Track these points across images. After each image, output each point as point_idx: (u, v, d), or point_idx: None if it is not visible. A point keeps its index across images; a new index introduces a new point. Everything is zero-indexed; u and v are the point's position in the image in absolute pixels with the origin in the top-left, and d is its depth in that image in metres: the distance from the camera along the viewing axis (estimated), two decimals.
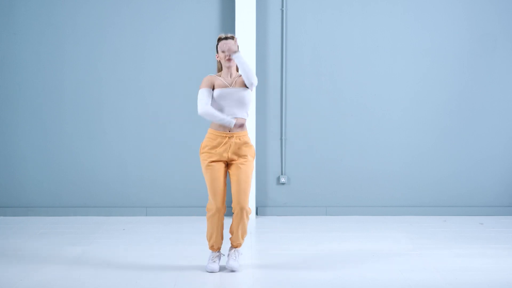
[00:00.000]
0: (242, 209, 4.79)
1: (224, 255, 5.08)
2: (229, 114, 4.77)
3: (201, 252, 5.29)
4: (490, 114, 6.71)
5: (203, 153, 4.83)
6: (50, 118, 6.62)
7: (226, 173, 4.88)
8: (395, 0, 6.63)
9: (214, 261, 4.89)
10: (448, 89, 6.69)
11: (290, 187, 6.75)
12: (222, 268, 4.92)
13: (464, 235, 5.97)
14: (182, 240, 5.75)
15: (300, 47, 6.65)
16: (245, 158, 4.82)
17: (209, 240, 4.94)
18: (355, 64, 6.67)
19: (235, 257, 4.92)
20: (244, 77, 4.75)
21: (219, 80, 4.84)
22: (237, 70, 4.93)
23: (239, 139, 4.81)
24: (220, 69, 4.96)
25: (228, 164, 4.87)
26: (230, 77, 4.86)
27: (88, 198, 6.68)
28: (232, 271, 4.87)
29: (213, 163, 4.79)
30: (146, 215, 6.70)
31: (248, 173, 4.81)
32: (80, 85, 6.61)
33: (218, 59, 4.89)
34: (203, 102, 4.78)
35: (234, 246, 4.96)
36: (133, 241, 5.72)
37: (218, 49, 4.85)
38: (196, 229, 6.12)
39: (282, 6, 6.61)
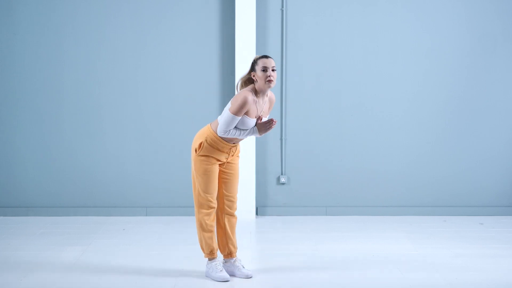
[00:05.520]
0: (230, 217, 4.70)
1: (226, 262, 4.84)
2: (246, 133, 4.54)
3: (201, 252, 5.28)
4: (490, 114, 6.71)
5: (202, 155, 4.57)
6: (49, 118, 6.62)
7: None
8: (395, 0, 6.63)
9: (221, 270, 4.66)
10: (448, 89, 6.69)
11: (290, 187, 6.75)
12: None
13: (464, 235, 5.97)
14: (182, 240, 5.75)
15: (300, 47, 6.65)
16: (236, 159, 4.72)
17: (208, 246, 4.68)
18: (355, 64, 6.67)
19: (243, 265, 4.75)
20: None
21: (253, 106, 4.46)
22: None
23: (236, 148, 4.68)
24: (246, 83, 4.53)
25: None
26: (263, 101, 4.54)
27: (88, 198, 6.68)
28: (249, 277, 4.67)
29: (213, 166, 4.58)
30: (146, 215, 6.69)
31: (236, 175, 4.71)
32: (80, 85, 6.61)
33: (254, 77, 4.46)
34: (226, 129, 4.45)
35: (232, 256, 4.76)
36: (133, 241, 5.72)
37: (257, 68, 4.42)
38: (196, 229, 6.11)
39: (282, 6, 6.61)
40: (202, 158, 4.56)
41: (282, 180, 6.71)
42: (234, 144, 4.61)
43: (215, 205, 4.65)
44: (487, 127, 6.72)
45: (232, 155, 4.65)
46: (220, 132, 4.46)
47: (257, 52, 6.56)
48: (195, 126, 6.52)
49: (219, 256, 4.89)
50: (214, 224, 4.68)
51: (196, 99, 6.61)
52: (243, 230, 6.12)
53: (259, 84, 4.45)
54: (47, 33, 6.56)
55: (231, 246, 4.75)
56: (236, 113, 4.40)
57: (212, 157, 4.56)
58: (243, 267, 4.74)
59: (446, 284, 4.58)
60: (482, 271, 4.88)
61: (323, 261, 5.13)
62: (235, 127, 4.47)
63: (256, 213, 6.72)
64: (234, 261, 4.75)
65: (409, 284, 4.58)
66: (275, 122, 4.50)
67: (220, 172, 4.66)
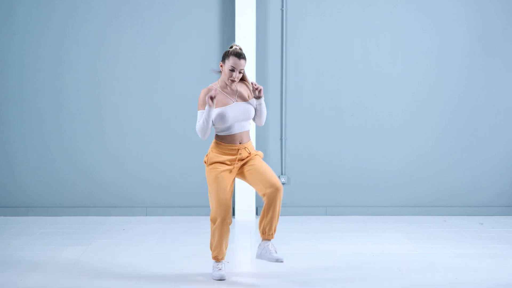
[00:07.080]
0: (277, 189, 4.42)
1: (228, 262, 4.92)
2: (237, 129, 4.52)
3: (201, 252, 5.29)
4: (490, 114, 6.71)
5: (211, 164, 4.54)
6: (49, 118, 6.63)
7: (233, 182, 4.58)
8: (395, 0, 6.63)
9: (220, 269, 4.64)
10: (448, 89, 6.69)
11: (290, 187, 6.75)
12: (228, 275, 4.72)
13: (464, 235, 5.97)
14: (182, 240, 5.75)
15: (300, 47, 6.65)
16: (254, 157, 4.57)
17: (213, 250, 4.63)
18: (355, 64, 6.67)
19: (275, 249, 4.55)
20: (258, 117, 4.57)
21: (219, 95, 4.50)
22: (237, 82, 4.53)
23: (247, 150, 4.56)
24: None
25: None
26: (231, 89, 4.53)
27: (88, 198, 6.69)
28: (281, 262, 4.49)
29: (222, 173, 4.51)
30: (146, 215, 6.70)
31: (262, 161, 4.55)
32: (79, 85, 6.62)
33: (221, 68, 4.51)
34: (196, 124, 4.53)
35: (267, 238, 4.52)
36: (133, 241, 5.72)
37: (227, 63, 4.44)
38: (196, 229, 6.12)
39: (282, 6, 6.61)
40: (211, 167, 4.54)
41: (282, 180, 6.71)
42: (240, 146, 4.54)
43: (221, 219, 4.51)
44: (487, 127, 6.72)
45: (242, 159, 4.54)
46: (196, 130, 4.49)
47: (257, 52, 6.57)
48: (194, 126, 6.52)
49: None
50: (223, 235, 4.58)
51: (196, 99, 6.59)
52: (243, 230, 6.13)
53: (225, 79, 4.51)
54: (47, 33, 6.56)
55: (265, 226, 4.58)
56: (199, 107, 4.49)
57: (219, 162, 4.53)
58: (276, 252, 4.54)
59: (446, 284, 4.58)
60: (482, 271, 4.88)
61: (323, 261, 5.13)
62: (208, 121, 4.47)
63: (256, 213, 6.72)
64: (268, 245, 4.56)
65: (409, 284, 4.58)
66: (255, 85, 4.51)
67: (243, 176, 4.60)
